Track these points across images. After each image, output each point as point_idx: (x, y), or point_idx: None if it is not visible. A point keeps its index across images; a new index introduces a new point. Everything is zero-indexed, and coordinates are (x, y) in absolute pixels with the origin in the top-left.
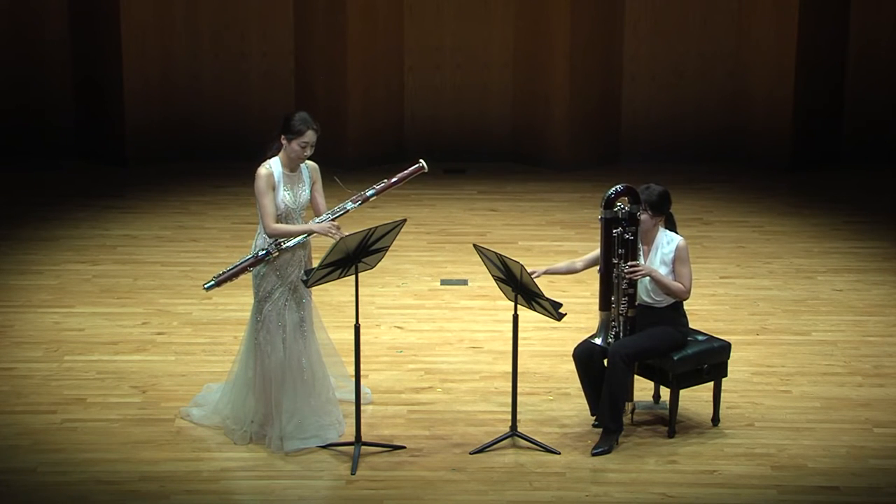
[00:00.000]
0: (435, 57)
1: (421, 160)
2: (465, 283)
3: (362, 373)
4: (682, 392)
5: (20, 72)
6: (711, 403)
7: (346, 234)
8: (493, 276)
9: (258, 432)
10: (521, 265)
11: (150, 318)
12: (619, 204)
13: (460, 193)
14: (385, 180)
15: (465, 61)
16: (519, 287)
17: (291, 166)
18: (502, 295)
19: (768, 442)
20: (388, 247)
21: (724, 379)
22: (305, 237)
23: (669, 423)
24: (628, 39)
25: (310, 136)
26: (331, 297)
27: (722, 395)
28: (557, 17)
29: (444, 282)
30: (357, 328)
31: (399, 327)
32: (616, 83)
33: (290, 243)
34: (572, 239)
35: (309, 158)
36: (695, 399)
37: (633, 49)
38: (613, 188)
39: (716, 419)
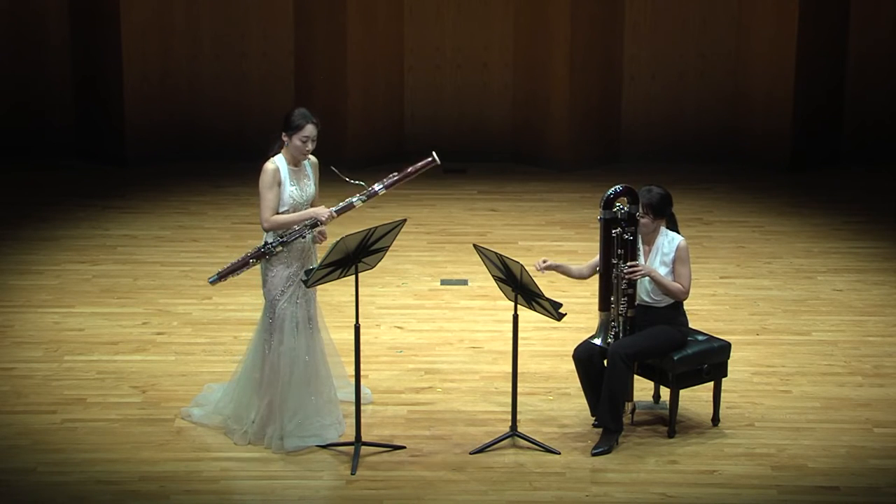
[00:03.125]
0: (435, 57)
1: (433, 153)
2: (465, 283)
3: (362, 373)
4: (682, 392)
5: (20, 72)
6: (711, 403)
7: (347, 234)
8: (493, 276)
9: (257, 432)
10: (521, 265)
11: (150, 318)
12: (618, 204)
13: (460, 193)
14: (395, 174)
15: (465, 61)
16: (519, 287)
17: (295, 162)
18: (502, 295)
19: (768, 442)
20: (388, 247)
21: (724, 379)
22: (310, 232)
23: (669, 423)
24: (628, 39)
25: (310, 129)
26: (331, 297)
27: (722, 395)
28: (557, 17)
29: (444, 282)
30: (357, 328)
31: (399, 327)
32: (616, 83)
33: (291, 238)
34: (572, 239)
35: (311, 154)
36: (695, 399)
37: (633, 49)
38: (612, 188)
39: (716, 419)
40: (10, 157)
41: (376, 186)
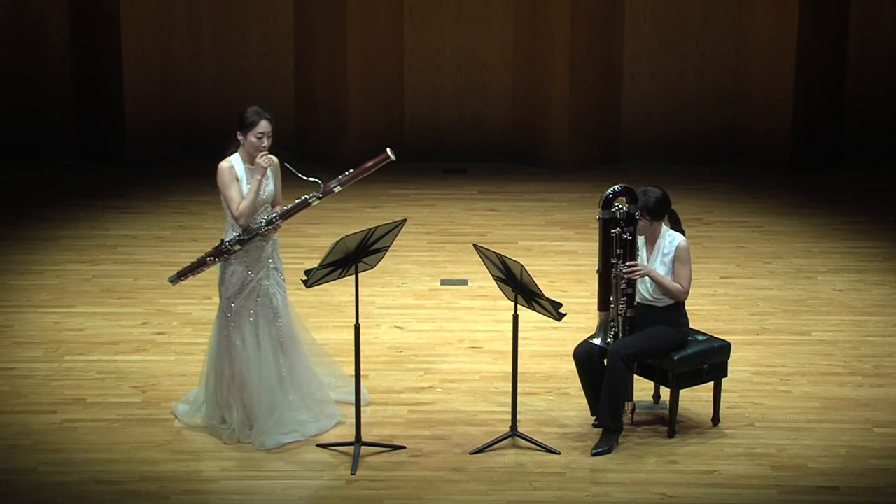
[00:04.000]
0: (435, 57)
1: (388, 149)
2: (465, 283)
3: (362, 373)
4: (682, 392)
5: (20, 72)
6: (711, 403)
7: (347, 234)
8: (493, 276)
9: (242, 429)
10: (521, 265)
11: (150, 318)
12: (616, 204)
13: (460, 193)
14: (350, 171)
15: (465, 61)
16: (519, 287)
17: (251, 160)
18: (502, 295)
19: (768, 442)
20: (388, 247)
21: (724, 379)
22: (266, 227)
23: (669, 423)
24: (628, 39)
25: (264, 125)
26: (331, 297)
27: (722, 395)
28: (557, 17)
29: (444, 282)
30: (357, 328)
31: (399, 327)
32: (616, 83)
33: (249, 237)
34: (572, 239)
35: (269, 151)
36: (695, 399)
37: (633, 49)
38: (611, 188)
39: (716, 419)
40: (10, 157)
41: (332, 184)
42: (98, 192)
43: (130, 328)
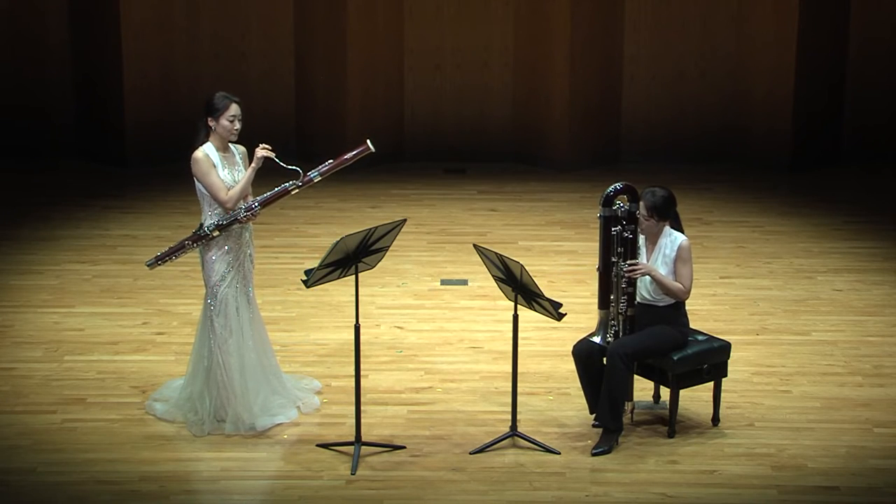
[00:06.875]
0: (435, 57)
1: (368, 141)
2: (465, 283)
3: (362, 373)
4: (682, 392)
5: (20, 72)
6: (711, 403)
7: (347, 234)
8: (493, 276)
9: (213, 421)
10: (521, 265)
11: (150, 318)
12: (617, 202)
13: (460, 193)
14: (330, 161)
15: (465, 61)
16: (519, 287)
17: (224, 146)
18: (502, 295)
19: (768, 442)
20: (388, 247)
21: (724, 379)
22: (244, 214)
23: (669, 423)
24: (628, 39)
25: (235, 108)
26: (331, 297)
27: (722, 395)
28: (557, 17)
29: (444, 282)
30: (357, 328)
31: (399, 327)
32: (616, 83)
33: (227, 222)
34: (572, 239)
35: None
36: (695, 399)
37: (633, 49)
38: (612, 186)
39: (716, 419)
40: (9, 157)
41: (311, 174)
42: (98, 192)
43: (130, 328)
